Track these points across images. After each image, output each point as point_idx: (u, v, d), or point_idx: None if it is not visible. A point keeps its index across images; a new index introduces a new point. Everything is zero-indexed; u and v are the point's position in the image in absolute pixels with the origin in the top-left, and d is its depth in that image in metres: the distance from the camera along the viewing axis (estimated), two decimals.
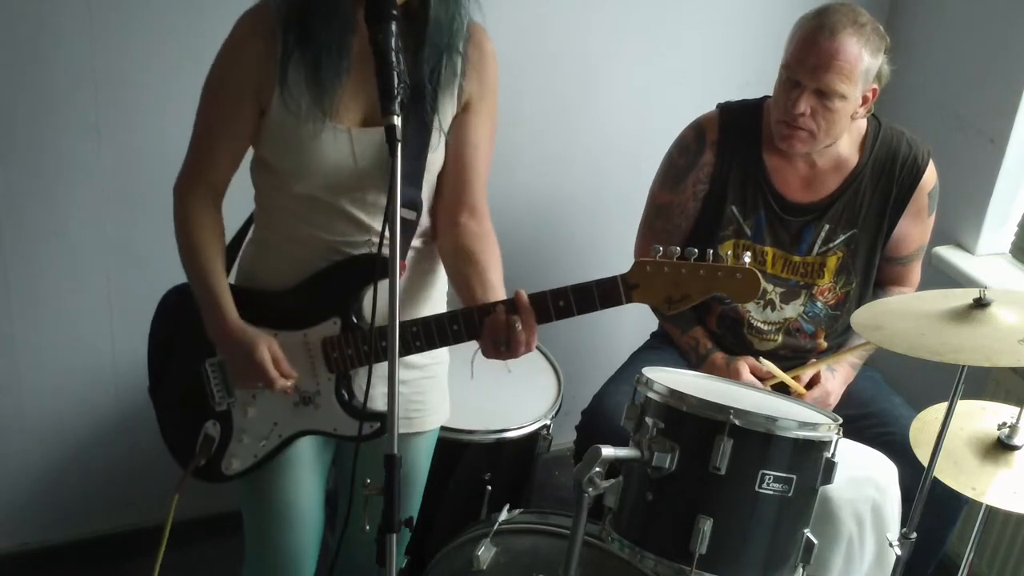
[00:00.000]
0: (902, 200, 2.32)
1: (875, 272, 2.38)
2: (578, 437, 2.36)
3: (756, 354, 2.37)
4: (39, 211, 2.39)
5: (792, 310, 2.37)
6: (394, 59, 1.51)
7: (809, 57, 2.13)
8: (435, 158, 1.72)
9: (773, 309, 2.37)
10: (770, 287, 2.36)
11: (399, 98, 1.50)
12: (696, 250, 1.58)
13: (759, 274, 1.57)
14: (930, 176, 2.33)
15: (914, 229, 2.36)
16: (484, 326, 1.63)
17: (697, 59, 2.89)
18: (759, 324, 2.38)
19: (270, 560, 1.93)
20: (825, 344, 2.42)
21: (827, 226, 2.32)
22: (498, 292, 1.69)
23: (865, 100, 2.20)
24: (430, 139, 1.69)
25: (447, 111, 1.71)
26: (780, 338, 2.39)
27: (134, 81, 2.34)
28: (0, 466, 2.58)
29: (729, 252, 1.60)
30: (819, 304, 2.37)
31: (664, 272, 1.58)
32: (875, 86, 2.20)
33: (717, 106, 2.38)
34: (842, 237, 2.33)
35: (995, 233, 2.85)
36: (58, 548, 2.71)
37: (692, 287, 1.58)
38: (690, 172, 2.35)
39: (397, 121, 1.48)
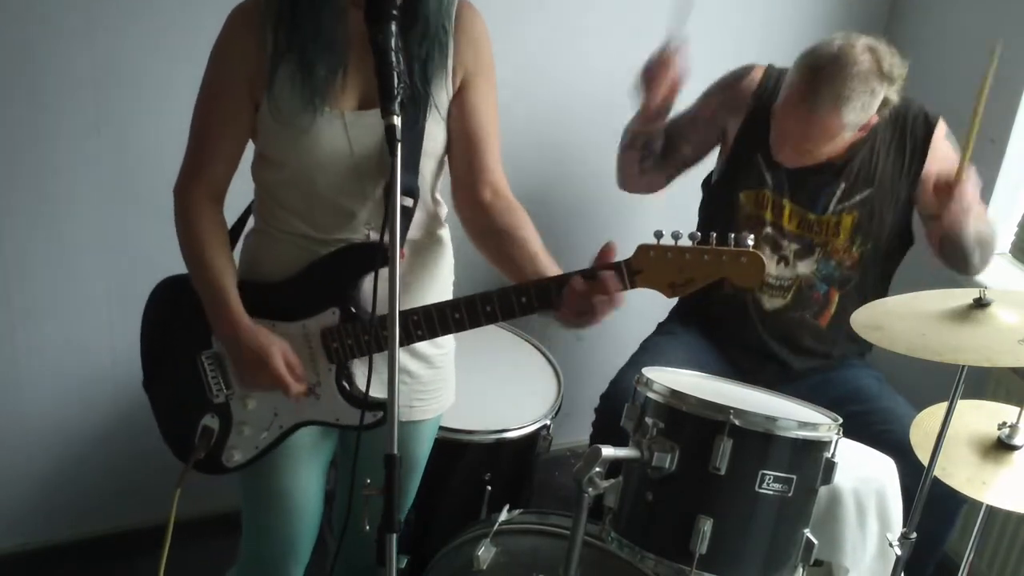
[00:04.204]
0: (919, 153, 2.35)
1: (889, 235, 2.39)
2: (596, 419, 2.37)
3: (763, 317, 2.41)
4: (39, 211, 2.39)
5: (805, 267, 2.39)
6: (394, 59, 1.50)
7: (793, 126, 2.21)
8: (431, 143, 1.71)
9: (787, 265, 2.40)
10: (785, 242, 2.39)
11: (399, 98, 1.49)
12: (699, 234, 1.57)
13: (764, 258, 1.57)
14: (942, 124, 2.36)
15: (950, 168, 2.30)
16: (563, 297, 1.59)
17: (700, 56, 2.88)
18: (771, 279, 2.40)
19: (265, 548, 1.93)
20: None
21: (843, 184, 2.34)
22: (545, 261, 1.68)
23: (864, 127, 2.23)
24: (425, 124, 1.69)
25: (441, 94, 1.70)
26: (790, 296, 2.41)
27: (134, 81, 2.34)
28: (0, 466, 2.59)
29: (751, 230, 1.54)
30: (833, 263, 2.39)
31: (668, 257, 1.56)
32: (876, 115, 2.21)
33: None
34: (858, 197, 2.35)
35: None
36: (58, 548, 2.71)
37: (696, 272, 1.57)
38: (725, 90, 2.40)
39: (397, 121, 1.48)
